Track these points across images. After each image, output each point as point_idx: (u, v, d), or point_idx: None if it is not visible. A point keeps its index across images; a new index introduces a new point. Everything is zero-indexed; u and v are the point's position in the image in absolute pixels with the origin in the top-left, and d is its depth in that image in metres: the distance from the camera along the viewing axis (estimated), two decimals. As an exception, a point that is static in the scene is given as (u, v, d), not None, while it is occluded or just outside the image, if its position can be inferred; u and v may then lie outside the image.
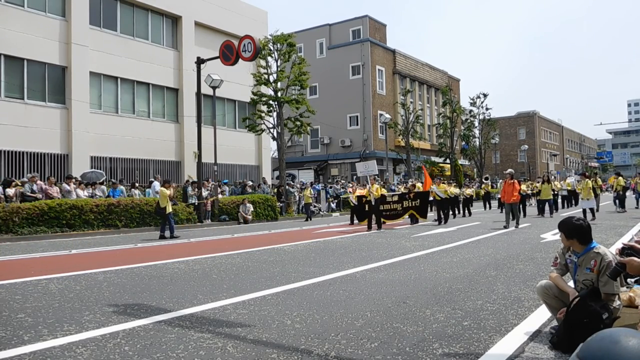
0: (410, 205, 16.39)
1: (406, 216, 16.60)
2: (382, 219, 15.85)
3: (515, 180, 15.03)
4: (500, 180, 25.62)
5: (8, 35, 18.18)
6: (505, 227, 13.88)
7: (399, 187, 24.13)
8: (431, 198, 17.62)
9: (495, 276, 6.49)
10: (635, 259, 3.24)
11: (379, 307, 4.83)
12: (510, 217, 14.58)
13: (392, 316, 4.49)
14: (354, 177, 36.27)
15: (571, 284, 3.89)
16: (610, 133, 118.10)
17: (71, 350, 3.59)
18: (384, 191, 17.70)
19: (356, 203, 17.64)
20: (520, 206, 19.38)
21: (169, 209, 13.63)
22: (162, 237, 13.39)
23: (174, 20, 24.47)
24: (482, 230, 13.59)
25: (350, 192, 19.97)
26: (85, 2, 20.52)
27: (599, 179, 21.01)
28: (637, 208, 21.91)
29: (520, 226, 14.38)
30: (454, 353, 3.48)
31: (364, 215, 16.45)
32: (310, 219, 21.46)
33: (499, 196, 16.38)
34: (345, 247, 10.44)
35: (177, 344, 3.73)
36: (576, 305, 3.46)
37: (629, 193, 27.87)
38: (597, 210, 19.14)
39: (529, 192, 21.74)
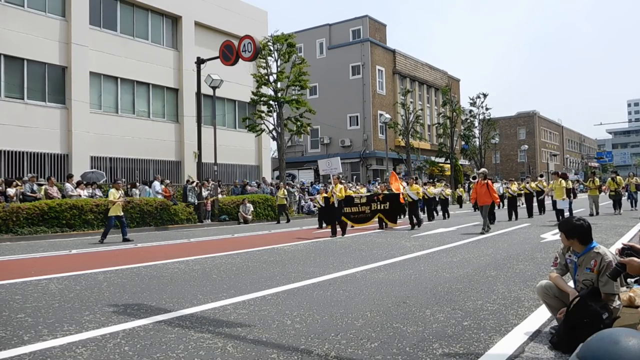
0: (378, 208, 15.05)
1: (375, 219, 15.19)
2: (350, 223, 14.69)
3: (489, 181, 13.59)
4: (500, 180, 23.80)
5: (8, 35, 18.17)
6: (482, 232, 12.48)
7: (377, 187, 23.50)
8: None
9: (495, 276, 6.49)
10: (636, 259, 3.24)
11: (379, 307, 4.83)
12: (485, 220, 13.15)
13: (392, 316, 4.49)
14: (354, 177, 36.34)
15: (571, 284, 3.89)
16: (610, 133, 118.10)
17: (71, 350, 3.59)
18: (350, 192, 16.56)
19: (324, 205, 15.74)
20: (512, 209, 18.10)
21: (116, 212, 12.40)
22: (101, 240, 12.10)
23: (174, 20, 24.47)
24: (491, 228, 13.57)
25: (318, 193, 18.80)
26: (85, 2, 20.51)
27: (597, 179, 19.34)
28: (632, 209, 20.53)
29: (492, 233, 12.77)
30: (454, 353, 3.48)
31: (332, 218, 14.66)
32: (288, 221, 19.79)
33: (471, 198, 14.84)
34: (345, 247, 10.44)
35: (177, 344, 3.73)
36: (576, 305, 3.46)
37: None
38: (598, 213, 18.01)
39: (519, 192, 20.39)
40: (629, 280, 4.78)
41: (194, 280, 6.50)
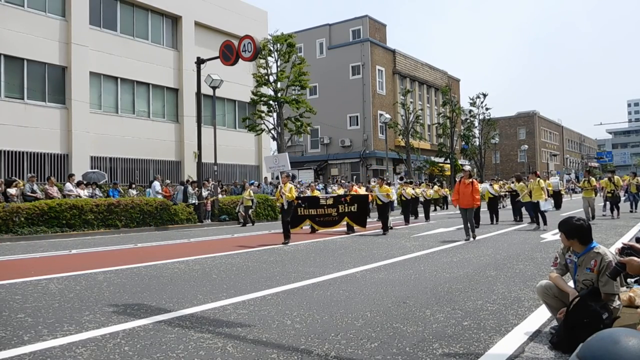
0: (345, 210, 13.89)
1: (343, 223, 14.05)
2: (315, 226, 13.84)
3: (474, 180, 11.87)
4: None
5: (8, 35, 18.17)
6: (467, 239, 11.13)
7: (341, 189, 21.74)
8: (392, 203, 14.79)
9: (495, 276, 6.49)
10: (635, 258, 3.24)
11: (379, 307, 4.83)
12: (468, 225, 11.48)
13: (392, 316, 4.49)
14: (354, 177, 36.32)
15: (571, 284, 3.90)
16: (610, 133, 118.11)
17: (71, 350, 3.59)
18: (317, 193, 15.54)
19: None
20: (492, 211, 16.57)
21: None
22: None
23: (174, 20, 24.47)
24: (482, 230, 13.58)
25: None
26: (85, 2, 20.52)
27: (593, 179, 17.04)
28: (631, 211, 19.00)
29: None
30: (454, 353, 3.48)
31: (297, 220, 13.65)
32: (253, 224, 18.25)
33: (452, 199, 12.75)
34: (345, 247, 10.45)
35: (177, 344, 3.73)
36: (576, 305, 3.46)
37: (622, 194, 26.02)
38: (594, 217, 15.82)
39: (502, 193, 18.42)
40: (629, 280, 4.79)
41: (194, 280, 6.50)
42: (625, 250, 4.38)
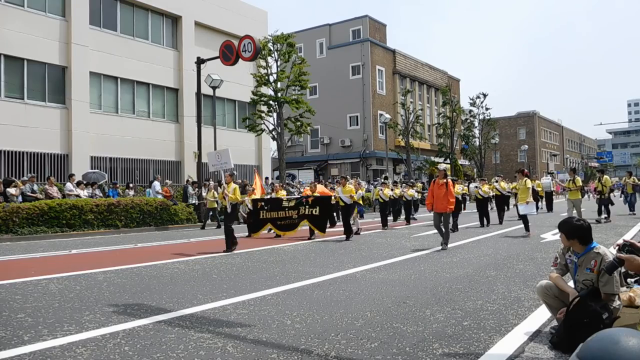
0: (306, 213, 12.59)
1: (301, 227, 12.74)
2: (276, 231, 12.86)
3: (449, 180, 10.34)
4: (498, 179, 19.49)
5: (8, 35, 18.17)
6: (443, 248, 9.67)
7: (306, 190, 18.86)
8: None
9: (495, 276, 6.49)
10: (636, 257, 3.24)
11: (379, 307, 4.83)
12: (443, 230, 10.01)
13: (392, 316, 4.49)
14: (354, 176, 36.33)
15: (571, 284, 3.90)
16: (610, 133, 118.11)
17: (71, 350, 3.59)
18: (283, 194, 14.78)
19: (252, 208, 13.23)
20: (482, 213, 15.39)
21: None
22: None
23: (174, 20, 24.47)
24: (482, 231, 13.58)
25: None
26: (85, 2, 20.51)
27: (579, 178, 15.18)
28: (630, 214, 18.18)
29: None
30: (454, 353, 3.48)
31: (258, 224, 12.81)
32: (219, 226, 16.85)
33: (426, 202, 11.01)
34: (345, 247, 10.45)
35: (177, 344, 3.73)
36: (576, 305, 3.46)
37: (617, 194, 24.80)
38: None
39: (492, 194, 17.15)
40: (629, 280, 4.79)
41: (194, 280, 6.50)
42: (626, 247, 4.38)
